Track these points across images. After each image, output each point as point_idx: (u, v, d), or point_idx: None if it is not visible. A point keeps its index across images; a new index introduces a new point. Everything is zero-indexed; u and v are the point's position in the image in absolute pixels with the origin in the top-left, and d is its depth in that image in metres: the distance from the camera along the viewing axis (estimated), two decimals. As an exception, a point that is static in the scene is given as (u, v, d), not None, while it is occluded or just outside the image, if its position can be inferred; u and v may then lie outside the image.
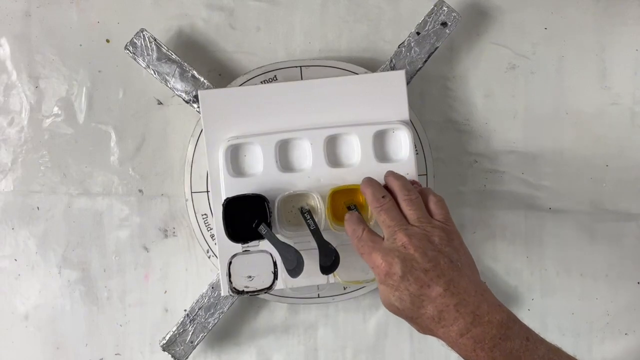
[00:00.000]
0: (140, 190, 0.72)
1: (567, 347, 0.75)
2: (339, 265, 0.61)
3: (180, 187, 0.71)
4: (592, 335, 0.75)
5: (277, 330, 0.73)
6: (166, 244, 0.72)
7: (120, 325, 0.72)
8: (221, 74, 0.72)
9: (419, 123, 0.70)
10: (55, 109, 0.71)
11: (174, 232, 0.72)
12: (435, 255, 0.51)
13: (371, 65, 0.71)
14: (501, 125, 0.73)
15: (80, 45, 0.71)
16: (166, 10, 0.71)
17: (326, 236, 0.61)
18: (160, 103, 0.71)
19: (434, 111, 0.73)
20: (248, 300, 0.72)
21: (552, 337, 0.73)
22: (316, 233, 0.61)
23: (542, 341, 0.50)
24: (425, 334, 0.52)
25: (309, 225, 0.62)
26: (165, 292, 0.72)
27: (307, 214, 0.62)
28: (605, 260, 0.74)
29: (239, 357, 0.73)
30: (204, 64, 0.71)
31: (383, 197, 0.57)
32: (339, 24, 0.73)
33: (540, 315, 0.74)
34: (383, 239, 0.54)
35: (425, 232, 0.53)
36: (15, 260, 0.71)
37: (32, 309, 0.72)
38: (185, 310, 0.70)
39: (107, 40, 0.71)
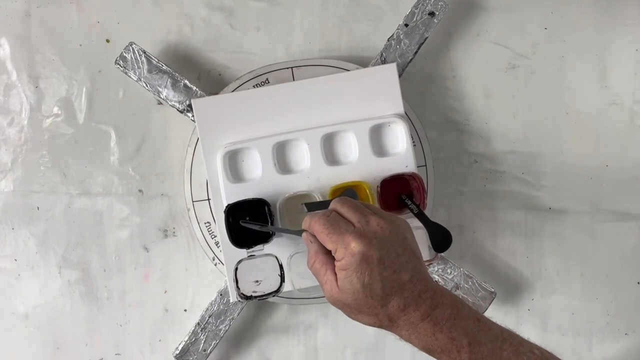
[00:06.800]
0: (140, 190, 0.72)
1: (567, 347, 0.75)
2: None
3: (180, 187, 0.71)
4: (592, 335, 0.74)
5: (277, 330, 0.73)
6: (166, 244, 0.72)
7: (120, 325, 0.72)
8: (221, 73, 0.72)
9: (417, 118, 0.70)
10: (55, 109, 0.71)
11: (174, 232, 0.72)
12: (403, 239, 0.50)
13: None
14: (501, 125, 0.73)
15: (80, 45, 0.71)
16: (166, 11, 0.71)
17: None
18: (160, 103, 0.71)
19: (434, 111, 0.73)
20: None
21: (552, 337, 0.74)
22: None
23: (493, 323, 0.51)
24: (379, 327, 0.51)
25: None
26: (165, 292, 0.72)
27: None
28: (605, 260, 0.74)
29: (239, 357, 0.73)
30: (203, 64, 0.71)
31: (328, 214, 0.52)
32: (339, 24, 0.72)
33: (540, 315, 0.74)
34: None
35: (390, 217, 0.51)
36: (15, 260, 0.71)
37: (32, 309, 0.72)
38: (185, 310, 0.70)
39: (107, 40, 0.71)
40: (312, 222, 0.52)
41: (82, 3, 0.71)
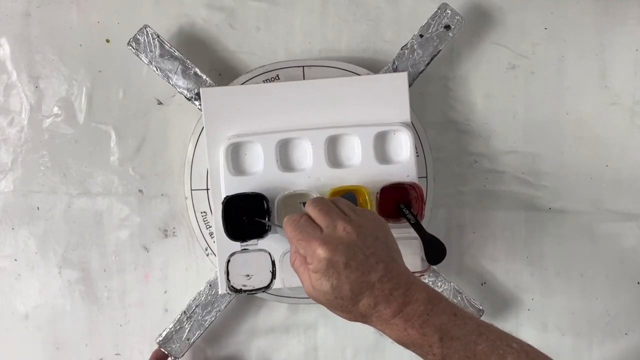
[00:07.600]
0: (140, 190, 0.72)
1: (567, 347, 0.75)
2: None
3: (180, 187, 0.71)
4: (592, 335, 0.74)
5: (277, 330, 0.73)
6: (166, 244, 0.72)
7: (120, 325, 0.72)
8: (221, 73, 0.72)
9: (420, 124, 0.70)
10: (55, 109, 0.71)
11: (174, 232, 0.72)
12: (373, 240, 0.51)
13: (371, 66, 0.71)
14: (501, 125, 0.73)
15: (80, 45, 0.71)
16: (166, 10, 0.71)
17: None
18: (160, 103, 0.71)
19: (434, 111, 0.73)
20: (248, 300, 0.72)
21: (552, 337, 0.74)
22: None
23: (472, 317, 0.51)
24: (355, 322, 0.52)
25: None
26: (165, 292, 0.72)
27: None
28: (605, 260, 0.74)
29: (239, 357, 0.73)
30: (204, 64, 0.71)
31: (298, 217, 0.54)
32: (339, 24, 0.73)
33: (540, 315, 0.74)
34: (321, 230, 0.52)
35: (360, 219, 0.52)
36: (15, 260, 0.71)
37: (32, 309, 0.72)
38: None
39: (107, 40, 0.71)
40: (285, 226, 0.54)
41: (82, 3, 0.71)
